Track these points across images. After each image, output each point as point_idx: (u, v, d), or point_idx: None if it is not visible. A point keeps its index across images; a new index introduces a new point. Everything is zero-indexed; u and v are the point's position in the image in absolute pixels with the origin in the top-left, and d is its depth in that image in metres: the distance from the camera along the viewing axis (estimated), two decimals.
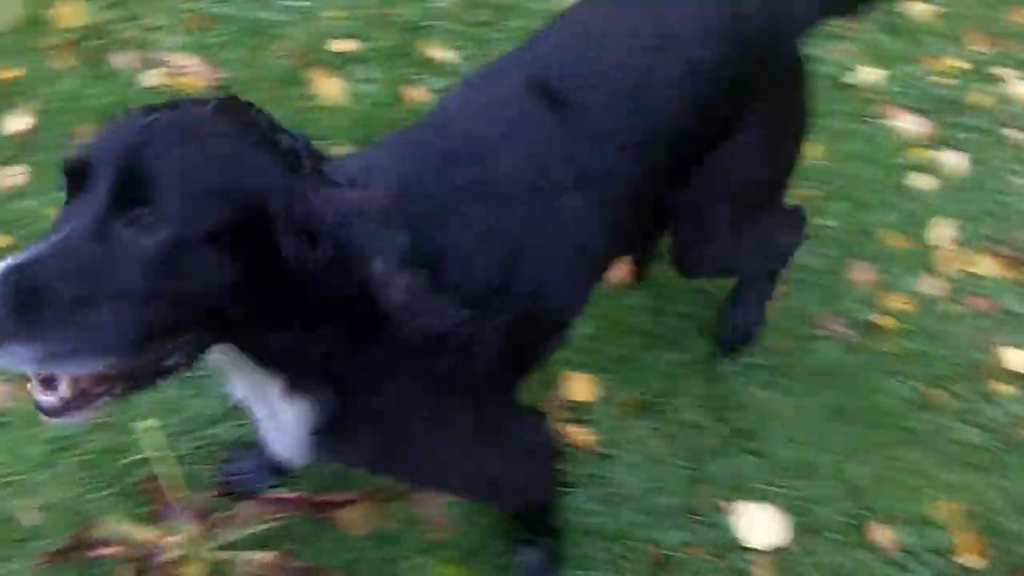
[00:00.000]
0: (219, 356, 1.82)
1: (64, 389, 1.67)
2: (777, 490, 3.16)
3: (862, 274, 3.71)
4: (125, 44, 4.43)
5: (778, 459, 3.22)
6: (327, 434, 2.08)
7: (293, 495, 3.02)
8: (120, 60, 4.36)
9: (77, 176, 1.65)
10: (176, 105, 1.77)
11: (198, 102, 1.78)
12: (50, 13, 4.50)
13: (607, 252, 2.52)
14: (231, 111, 1.78)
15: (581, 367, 3.37)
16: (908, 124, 4.34)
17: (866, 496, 3.17)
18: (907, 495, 3.18)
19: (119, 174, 1.61)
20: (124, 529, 2.94)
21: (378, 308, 1.75)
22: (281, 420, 2.09)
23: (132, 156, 1.62)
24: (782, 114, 2.72)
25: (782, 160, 2.85)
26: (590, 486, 3.13)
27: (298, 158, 1.76)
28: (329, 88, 4.21)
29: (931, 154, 4.23)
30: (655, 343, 3.45)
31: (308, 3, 4.57)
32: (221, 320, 1.71)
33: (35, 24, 4.48)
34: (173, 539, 2.92)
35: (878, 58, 4.61)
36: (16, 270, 1.52)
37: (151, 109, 1.73)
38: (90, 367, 1.62)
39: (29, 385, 1.70)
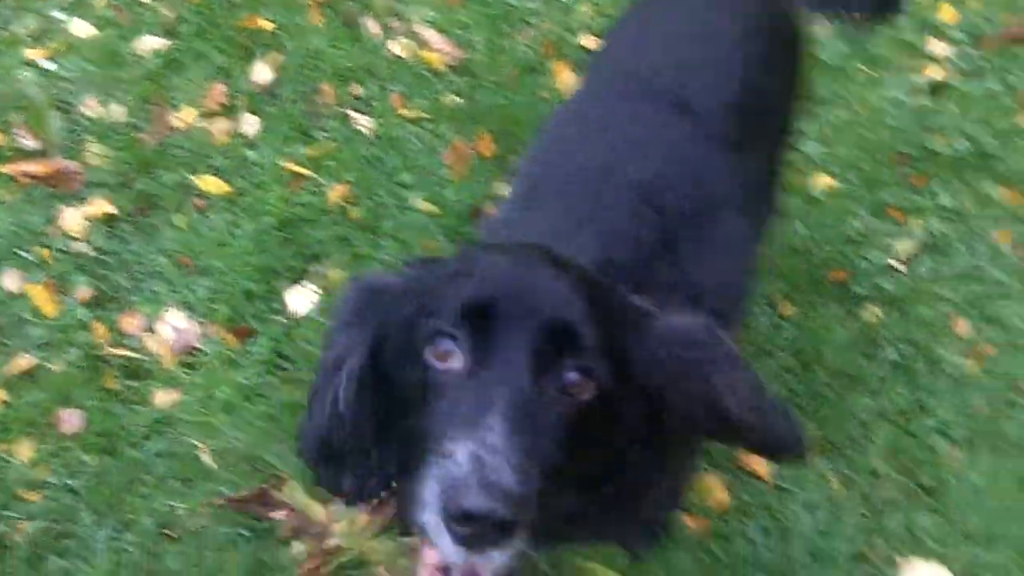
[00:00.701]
0: None
1: None
2: (953, 553, 3.05)
3: None
4: (378, 11, 4.54)
5: (959, 522, 3.11)
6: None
7: None
8: (370, 26, 4.47)
9: (479, 316, 1.62)
10: (532, 253, 1.79)
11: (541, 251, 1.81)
12: None
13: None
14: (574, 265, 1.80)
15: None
16: None
17: None
18: None
19: (545, 341, 1.61)
20: (300, 500, 3.02)
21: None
22: None
23: (556, 322, 1.62)
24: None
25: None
26: (761, 517, 3.09)
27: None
28: (570, 81, 4.22)
29: None
30: (854, 386, 3.37)
31: None
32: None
33: None
34: (340, 525, 2.98)
35: None
36: (509, 477, 1.45)
37: (522, 255, 1.78)
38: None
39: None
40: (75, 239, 3.67)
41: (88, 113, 4.08)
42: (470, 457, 1.44)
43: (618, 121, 2.45)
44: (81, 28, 4.42)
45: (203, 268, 3.60)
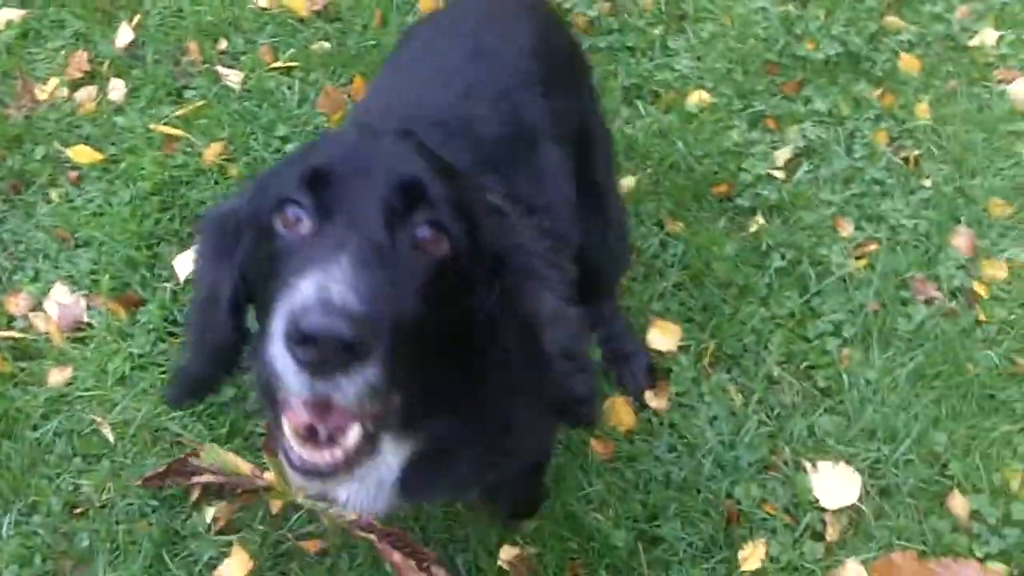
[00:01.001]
0: None
1: (350, 440, 1.60)
2: (855, 451, 3.12)
3: (961, 239, 3.61)
4: None
5: (858, 420, 3.18)
6: (422, 469, 2.02)
7: None
8: None
9: (322, 178, 1.61)
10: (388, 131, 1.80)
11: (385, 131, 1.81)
12: None
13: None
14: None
15: (666, 315, 3.36)
16: None
17: (945, 464, 3.11)
18: (988, 466, 3.11)
19: (393, 194, 1.60)
20: (223, 458, 3.00)
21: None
22: (372, 473, 2.01)
23: (404, 177, 1.63)
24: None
25: None
26: (667, 435, 3.13)
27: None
28: None
29: None
30: (745, 296, 3.42)
31: None
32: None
33: None
34: (269, 474, 2.97)
35: (1005, 22, 4.39)
36: (347, 304, 1.40)
37: (369, 132, 1.79)
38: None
39: (288, 444, 1.61)
40: None
41: None
42: (315, 285, 1.40)
43: (426, 69, 2.55)
44: None
45: (83, 240, 3.55)
